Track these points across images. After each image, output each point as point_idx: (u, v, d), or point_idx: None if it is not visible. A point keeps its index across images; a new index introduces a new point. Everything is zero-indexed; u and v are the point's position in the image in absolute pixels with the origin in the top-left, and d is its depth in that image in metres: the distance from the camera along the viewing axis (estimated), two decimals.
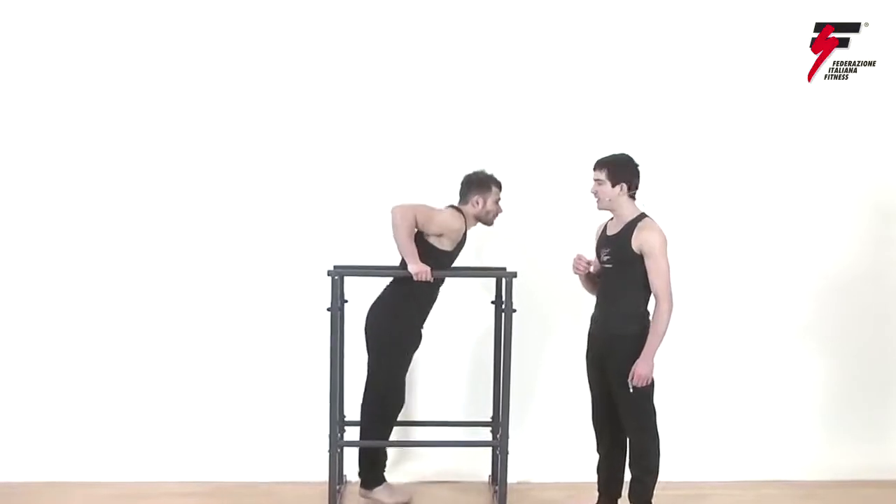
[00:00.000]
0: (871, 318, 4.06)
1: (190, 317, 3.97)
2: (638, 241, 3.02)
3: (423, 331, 3.42)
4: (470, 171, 3.38)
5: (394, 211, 3.20)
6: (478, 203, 3.34)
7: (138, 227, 3.94)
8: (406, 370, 3.41)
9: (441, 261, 3.29)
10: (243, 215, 3.96)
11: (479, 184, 3.34)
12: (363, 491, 3.45)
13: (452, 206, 3.37)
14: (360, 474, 3.46)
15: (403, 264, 3.23)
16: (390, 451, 3.64)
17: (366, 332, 3.38)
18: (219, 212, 3.95)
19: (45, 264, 3.94)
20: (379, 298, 3.39)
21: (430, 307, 3.41)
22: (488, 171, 3.37)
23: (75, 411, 3.95)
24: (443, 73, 3.91)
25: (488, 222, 3.40)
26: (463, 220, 3.31)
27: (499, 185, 3.37)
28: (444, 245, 3.30)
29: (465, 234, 3.35)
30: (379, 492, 3.44)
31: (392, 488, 3.49)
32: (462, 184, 3.38)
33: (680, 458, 3.67)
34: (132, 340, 3.96)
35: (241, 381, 3.99)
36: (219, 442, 3.94)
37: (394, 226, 3.18)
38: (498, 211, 3.38)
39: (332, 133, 3.94)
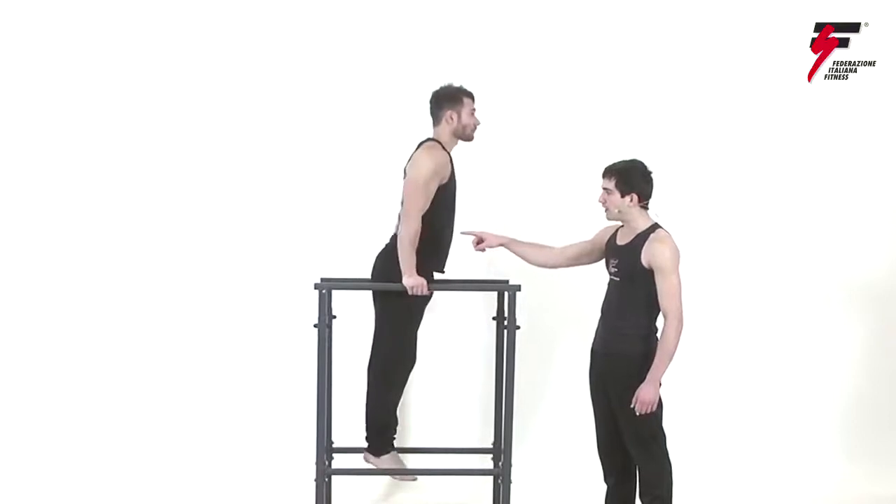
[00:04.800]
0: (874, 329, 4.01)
1: (165, 337, 3.89)
2: (648, 255, 2.87)
3: (442, 274, 3.20)
4: (436, 88, 3.20)
5: (402, 221, 3.04)
6: (452, 118, 3.15)
7: (115, 237, 3.87)
8: (417, 326, 3.23)
9: (443, 199, 3.10)
10: (223, 222, 3.89)
11: (448, 98, 3.16)
12: (369, 456, 3.27)
13: (425, 140, 3.17)
14: (367, 438, 3.29)
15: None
16: (382, 480, 3.52)
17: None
18: (194, 218, 3.88)
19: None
20: (387, 246, 3.19)
21: (448, 245, 3.20)
22: (456, 84, 3.19)
23: (42, 437, 3.87)
24: (442, 75, 3.70)
25: (467, 137, 3.20)
26: (439, 147, 3.13)
27: (471, 96, 3.19)
28: (440, 182, 3.09)
29: (451, 161, 3.16)
30: (386, 460, 3.26)
31: (400, 460, 3.31)
32: (430, 103, 3.20)
33: (695, 485, 3.58)
34: (108, 357, 3.89)
35: (220, 403, 3.91)
36: (196, 469, 3.82)
37: (402, 232, 3.03)
38: (475, 123, 3.20)
39: (321, 137, 3.88)
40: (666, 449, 2.98)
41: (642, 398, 2.84)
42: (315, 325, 3.09)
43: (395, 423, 3.32)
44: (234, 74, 3.85)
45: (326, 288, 3.10)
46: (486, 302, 3.72)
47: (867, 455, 3.92)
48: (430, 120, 3.48)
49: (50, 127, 3.85)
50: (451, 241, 3.21)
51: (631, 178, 2.90)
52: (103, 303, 3.88)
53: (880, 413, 3.99)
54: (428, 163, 3.06)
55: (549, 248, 3.20)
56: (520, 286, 3.06)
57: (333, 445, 3.39)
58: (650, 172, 2.93)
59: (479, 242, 3.22)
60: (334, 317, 3.27)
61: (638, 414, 2.86)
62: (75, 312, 3.88)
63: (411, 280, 3.00)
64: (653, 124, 3.88)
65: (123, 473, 3.79)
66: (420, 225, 3.02)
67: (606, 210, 2.97)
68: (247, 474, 3.80)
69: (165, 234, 3.88)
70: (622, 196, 2.90)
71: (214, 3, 3.83)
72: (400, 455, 3.63)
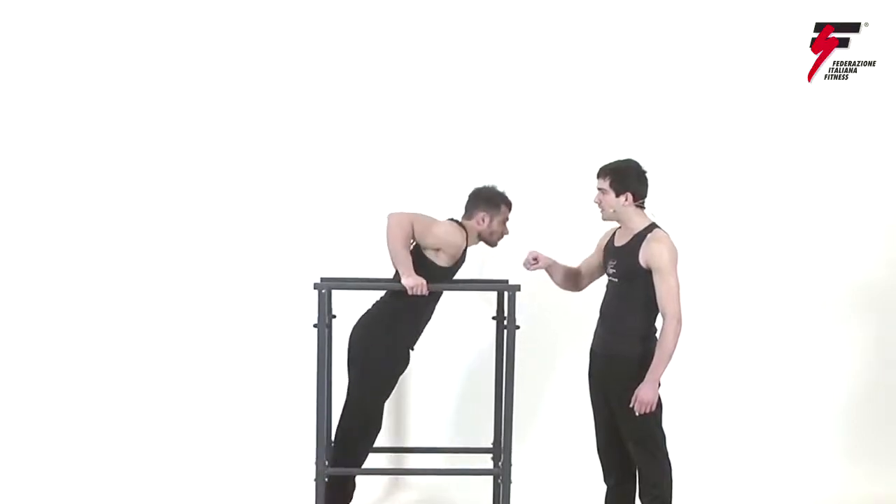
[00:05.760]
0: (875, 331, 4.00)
1: (165, 337, 3.88)
2: (645, 255, 2.86)
3: (412, 352, 3.25)
4: (480, 185, 3.21)
5: (389, 217, 3.03)
6: (483, 220, 3.16)
7: (115, 237, 3.86)
8: (389, 394, 3.26)
9: (437, 278, 3.11)
10: (223, 222, 3.87)
11: (487, 200, 3.16)
12: None
13: (453, 220, 3.19)
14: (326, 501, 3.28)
15: (397, 276, 3.05)
16: (382, 480, 3.47)
17: (349, 349, 3.22)
18: (195, 218, 3.87)
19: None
20: (367, 313, 3.21)
21: (425, 325, 3.23)
22: (500, 188, 3.20)
23: (42, 437, 3.86)
24: (440, 75, 3.85)
25: (492, 243, 3.22)
26: (464, 235, 3.14)
27: (509, 205, 3.20)
28: (442, 261, 3.12)
29: (465, 252, 3.18)
30: None
31: None
32: (469, 197, 3.20)
33: (695, 485, 3.57)
34: (108, 357, 3.88)
35: (220, 403, 3.90)
36: (196, 469, 3.80)
37: (388, 233, 3.01)
38: (504, 232, 3.21)
39: (322, 135, 3.87)
40: (666, 449, 2.97)
41: (641, 398, 2.83)
42: (315, 325, 3.08)
43: (353, 486, 3.31)
44: (235, 75, 3.84)
45: (326, 288, 3.10)
46: (487, 302, 3.72)
47: (867, 455, 3.91)
48: (429, 119, 3.50)
49: (50, 128, 3.84)
50: (429, 319, 3.21)
51: (625, 178, 2.90)
52: (103, 303, 3.87)
53: (880, 413, 3.98)
54: (450, 230, 3.08)
55: (571, 269, 3.17)
56: (520, 286, 3.05)
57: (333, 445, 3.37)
58: (645, 172, 2.93)
59: (535, 261, 3.16)
60: (334, 317, 3.27)
61: (637, 414, 2.85)
62: (75, 313, 3.87)
63: (411, 280, 2.98)
64: (653, 124, 3.87)
65: (123, 473, 3.78)
66: (410, 231, 3.01)
67: (602, 210, 2.96)
68: (247, 474, 3.79)
69: (165, 234, 3.87)
70: (617, 196, 2.90)
71: (215, 3, 3.83)
72: (399, 455, 3.64)
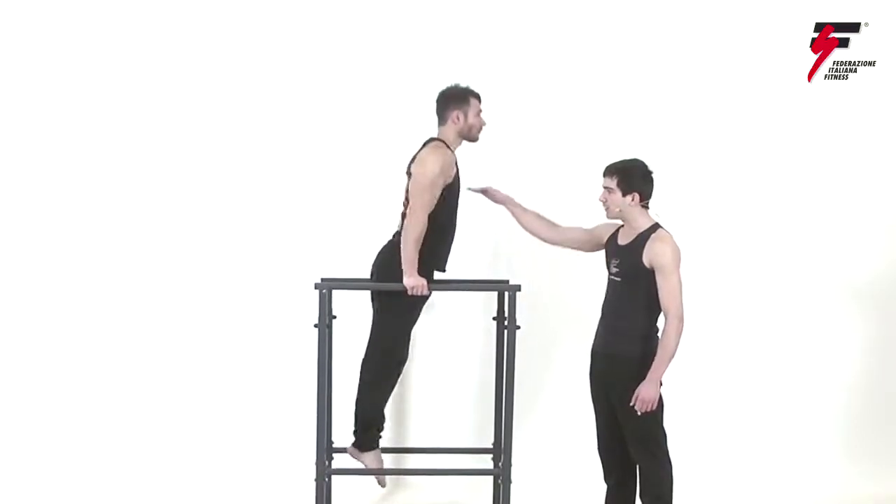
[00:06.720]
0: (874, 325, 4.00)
1: (165, 337, 3.88)
2: (649, 255, 2.86)
3: (442, 273, 3.20)
4: (443, 88, 3.20)
5: (409, 217, 3.01)
6: (458, 119, 3.15)
7: (115, 237, 3.87)
8: (413, 324, 3.24)
9: (447, 198, 3.10)
10: (223, 222, 3.87)
11: (455, 98, 3.16)
12: (353, 450, 3.30)
13: (431, 139, 3.17)
14: (354, 433, 3.30)
15: (396, 246, 3.04)
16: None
17: (371, 280, 3.21)
18: (195, 218, 3.87)
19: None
20: (389, 243, 3.18)
21: (447, 255, 3.19)
22: (463, 84, 3.19)
23: (42, 437, 3.86)
24: (442, 74, 3.72)
25: (473, 138, 3.20)
26: (444, 146, 3.13)
27: (477, 97, 3.20)
28: (444, 181, 3.09)
29: (456, 161, 3.16)
30: (368, 456, 3.29)
31: (380, 459, 3.33)
32: (437, 102, 3.20)
33: (695, 485, 3.58)
34: (109, 357, 3.88)
35: (220, 403, 3.90)
36: (196, 469, 3.81)
37: (406, 233, 3.00)
38: (481, 124, 3.20)
39: (322, 136, 3.88)
40: (667, 448, 2.97)
41: (643, 397, 2.83)
42: (315, 325, 3.08)
43: (382, 420, 3.30)
44: (234, 75, 3.84)
45: (326, 288, 3.10)
46: (486, 302, 3.71)
47: (867, 455, 3.92)
48: (430, 119, 3.48)
49: (50, 128, 3.84)
50: (452, 240, 3.20)
51: (632, 178, 2.90)
52: (104, 303, 3.87)
53: (880, 413, 3.98)
54: (434, 162, 3.05)
55: (550, 222, 3.19)
56: (520, 286, 3.05)
57: (333, 445, 3.38)
58: (651, 172, 2.93)
59: (484, 192, 3.20)
60: (334, 317, 3.27)
61: (639, 413, 2.85)
62: (76, 313, 3.86)
63: (412, 280, 2.99)
64: (654, 124, 3.87)
65: (123, 473, 3.79)
66: (426, 224, 3.01)
67: (607, 209, 2.96)
68: (247, 474, 3.79)
69: (166, 234, 3.87)
70: (623, 195, 2.90)
71: (214, 3, 3.83)
72: (400, 455, 3.63)
